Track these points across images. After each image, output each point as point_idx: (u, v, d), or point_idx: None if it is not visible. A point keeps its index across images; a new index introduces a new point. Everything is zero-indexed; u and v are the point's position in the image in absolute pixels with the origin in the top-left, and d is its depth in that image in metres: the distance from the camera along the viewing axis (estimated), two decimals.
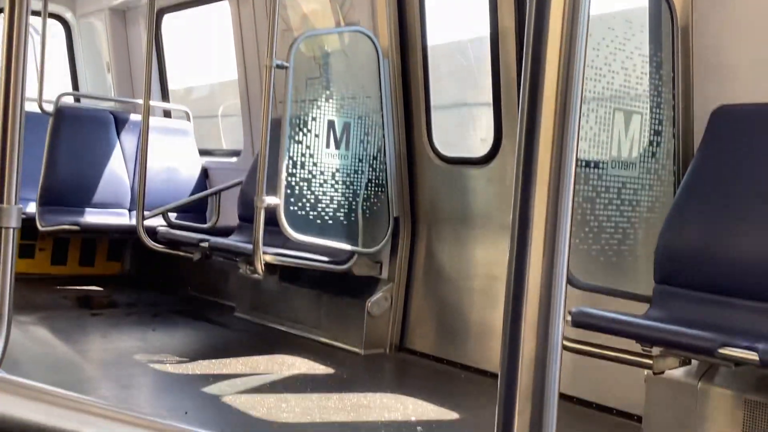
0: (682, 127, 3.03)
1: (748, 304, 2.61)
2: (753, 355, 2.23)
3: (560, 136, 0.86)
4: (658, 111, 2.97)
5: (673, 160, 3.04)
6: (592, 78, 2.73)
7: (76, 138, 5.71)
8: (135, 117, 5.96)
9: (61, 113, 5.68)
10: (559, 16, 0.86)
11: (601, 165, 2.89)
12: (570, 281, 2.80)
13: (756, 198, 2.70)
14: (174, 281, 5.85)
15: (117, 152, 5.93)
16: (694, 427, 2.77)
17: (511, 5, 3.78)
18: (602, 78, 2.80)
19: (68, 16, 7.12)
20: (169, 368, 3.81)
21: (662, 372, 2.69)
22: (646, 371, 2.77)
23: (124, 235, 5.69)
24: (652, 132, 2.97)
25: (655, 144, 2.99)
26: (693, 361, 2.69)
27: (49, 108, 5.65)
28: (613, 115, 2.86)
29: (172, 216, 5.11)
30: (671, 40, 2.99)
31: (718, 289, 2.70)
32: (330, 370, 3.93)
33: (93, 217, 5.46)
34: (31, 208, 5.42)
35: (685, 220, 2.84)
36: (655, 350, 2.57)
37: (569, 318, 2.57)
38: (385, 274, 4.36)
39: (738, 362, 2.32)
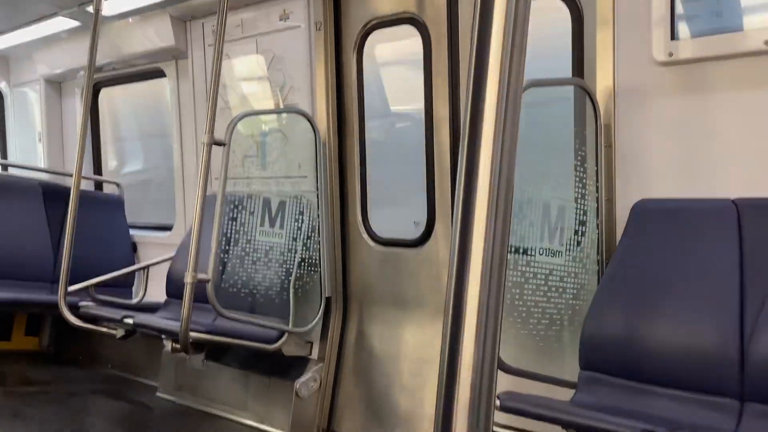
0: (605, 218, 3.16)
1: (669, 392, 2.68)
2: None
3: (493, 223, 0.90)
4: (582, 202, 3.10)
5: (597, 250, 3.16)
6: (523, 169, 2.84)
7: (1, 207, 5.55)
8: (65, 188, 5.85)
9: None
10: (493, 106, 0.92)
11: (529, 251, 2.98)
12: (499, 365, 2.84)
13: (673, 288, 2.82)
14: (95, 358, 5.63)
15: (42, 224, 5.78)
16: None
17: (446, 97, 3.93)
18: (531, 167, 2.92)
19: (1, 85, 7.03)
20: None
21: None
22: None
23: (45, 310, 5.49)
24: (578, 222, 3.09)
25: (580, 233, 3.10)
26: None
27: None
28: (541, 204, 2.97)
29: (97, 291, 4.96)
30: (595, 135, 3.15)
31: (640, 377, 2.77)
32: None
33: (12, 290, 5.25)
34: None
35: (607, 308, 2.93)
36: None
37: (497, 402, 2.60)
38: (315, 355, 4.32)
39: None
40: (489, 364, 0.90)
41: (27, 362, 5.56)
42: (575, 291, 3.11)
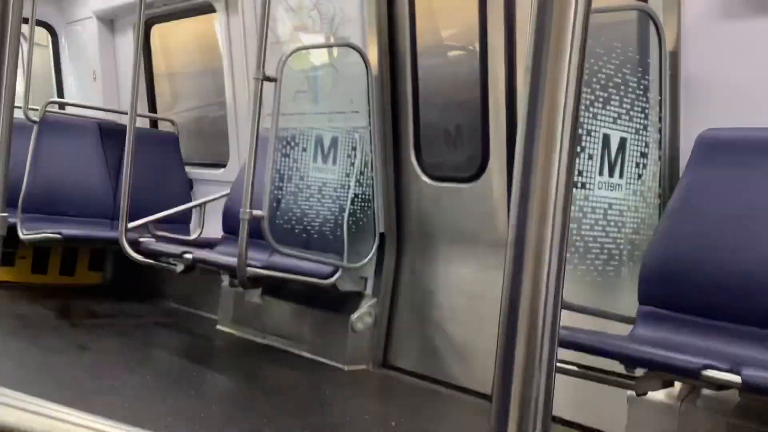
0: (668, 151, 3.06)
1: (732, 327, 2.62)
2: (736, 379, 2.24)
3: (556, 157, 0.86)
4: (644, 134, 2.99)
5: (659, 183, 3.06)
6: (581, 100, 2.75)
7: (61, 147, 5.68)
8: (121, 127, 5.93)
9: (46, 122, 5.64)
10: (558, 36, 0.87)
11: (587, 186, 2.90)
12: None
13: (741, 222, 2.72)
14: (156, 293, 5.80)
15: (101, 162, 5.89)
16: None
17: (501, 26, 3.81)
18: (589, 101, 2.82)
19: (55, 23, 7.09)
20: (150, 380, 3.77)
21: (645, 393, 2.69)
22: (629, 392, 2.77)
23: (107, 246, 5.64)
24: (639, 154, 3.00)
25: (641, 166, 3.01)
26: (676, 383, 2.70)
27: (34, 116, 5.62)
28: (601, 136, 2.88)
29: (156, 227, 5.08)
30: (659, 63, 3.02)
31: (702, 312, 2.71)
32: (313, 385, 3.91)
33: (75, 226, 5.41)
34: (12, 215, 5.36)
35: (669, 243, 2.86)
36: (639, 372, 2.57)
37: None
38: (369, 290, 4.35)
39: (721, 386, 2.33)
40: (552, 300, 0.87)
41: (91, 296, 5.76)
42: (635, 225, 3.03)
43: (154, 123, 6.49)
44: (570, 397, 3.32)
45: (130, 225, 4.64)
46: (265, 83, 3.80)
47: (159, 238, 5.00)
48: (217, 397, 3.83)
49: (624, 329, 2.89)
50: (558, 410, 3.38)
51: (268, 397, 3.63)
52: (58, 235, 5.14)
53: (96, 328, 4.88)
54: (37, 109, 5.65)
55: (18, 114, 5.75)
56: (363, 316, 4.26)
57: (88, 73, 6.92)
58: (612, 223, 2.97)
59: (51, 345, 4.28)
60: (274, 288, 4.64)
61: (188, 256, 4.42)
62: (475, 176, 4.04)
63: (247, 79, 5.25)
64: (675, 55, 3.03)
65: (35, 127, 5.59)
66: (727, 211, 2.76)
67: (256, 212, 3.78)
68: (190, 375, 4.01)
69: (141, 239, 4.85)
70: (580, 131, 2.78)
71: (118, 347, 4.39)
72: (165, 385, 3.74)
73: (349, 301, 4.33)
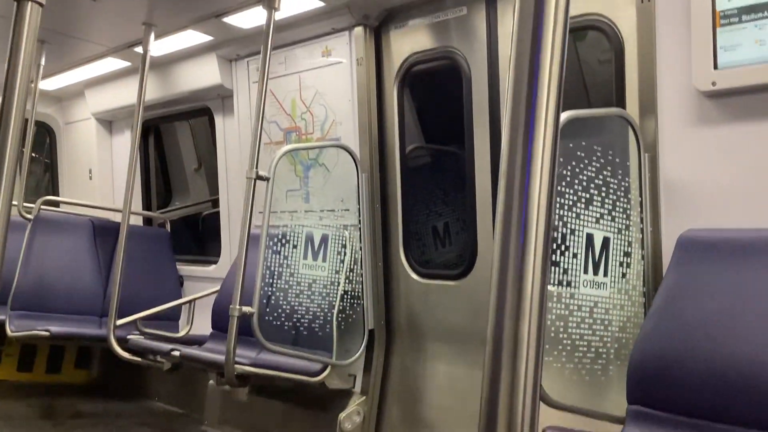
0: (651, 250, 3.12)
1: (720, 427, 2.61)
2: None
3: (533, 258, 0.91)
4: (627, 233, 3.06)
5: (642, 281, 3.11)
6: (562, 201, 2.83)
7: (53, 244, 5.71)
8: (114, 224, 5.99)
9: (40, 219, 5.70)
10: (530, 139, 0.93)
11: (573, 284, 2.94)
12: (543, 399, 2.80)
13: (724, 320, 2.76)
14: (142, 391, 5.71)
15: (93, 259, 5.92)
16: None
17: (486, 129, 3.94)
18: (572, 201, 2.90)
19: (53, 123, 7.26)
20: None
21: None
22: None
23: (94, 343, 5.59)
24: (622, 253, 3.06)
25: (625, 265, 3.06)
26: None
27: (29, 214, 5.69)
28: (584, 235, 2.95)
29: (145, 324, 5.06)
30: (638, 166, 3.13)
31: (690, 412, 2.70)
32: None
33: (64, 324, 5.37)
34: (0, 312, 5.34)
35: (656, 341, 2.88)
36: None
37: None
38: (358, 388, 4.31)
39: None
40: (531, 396, 0.90)
41: (77, 394, 5.66)
42: (621, 324, 3.06)
43: (147, 221, 6.56)
44: None
45: (119, 322, 4.63)
46: (258, 182, 3.90)
47: (147, 335, 4.97)
48: None
49: (614, 429, 2.87)
50: None
51: None
52: (46, 333, 5.11)
53: (79, 429, 4.77)
54: (32, 207, 5.72)
55: (13, 212, 5.81)
56: (351, 414, 4.21)
57: (83, 171, 7.03)
58: (598, 321, 2.99)
59: None
60: (261, 386, 4.58)
61: (176, 353, 4.39)
62: (463, 274, 4.09)
63: (241, 178, 5.37)
64: (653, 159, 3.14)
65: (29, 225, 5.64)
66: (710, 310, 2.80)
67: (246, 308, 3.79)
68: None
69: (129, 336, 4.82)
70: (564, 231, 2.85)
71: None
72: None
73: (337, 398, 4.28)
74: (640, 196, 3.11)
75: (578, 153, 2.91)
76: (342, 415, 4.18)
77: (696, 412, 2.69)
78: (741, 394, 2.61)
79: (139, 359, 4.75)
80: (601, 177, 2.96)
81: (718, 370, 2.69)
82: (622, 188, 3.05)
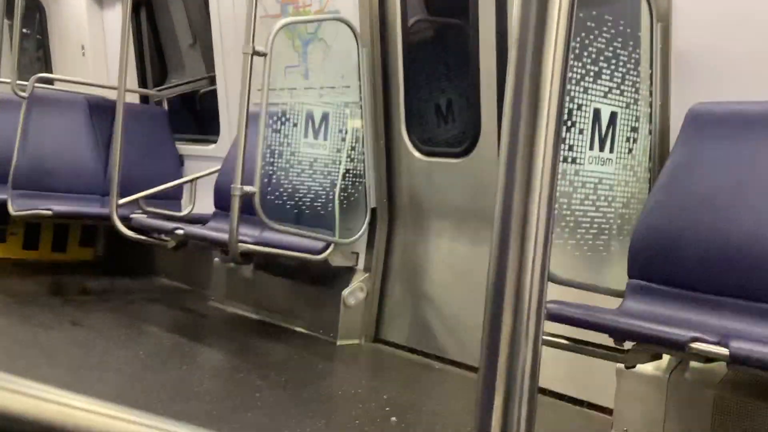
0: (658, 125, 3.06)
1: (721, 300, 2.64)
2: (724, 351, 2.26)
3: (543, 133, 0.86)
4: (635, 108, 2.99)
5: (649, 157, 3.07)
6: (569, 75, 2.74)
7: (50, 123, 5.64)
8: (110, 102, 5.89)
9: (34, 97, 5.60)
10: (549, 12, 0.86)
11: (578, 160, 2.91)
12: None
13: (729, 195, 2.74)
14: (148, 269, 5.80)
15: (90, 138, 5.86)
16: (663, 421, 2.81)
17: (492, 1, 3.78)
18: (579, 75, 2.82)
19: None
20: (142, 355, 3.79)
21: (633, 366, 2.72)
22: (617, 365, 2.80)
23: (98, 222, 5.63)
24: (629, 129, 3.00)
25: (631, 141, 3.01)
26: (664, 355, 2.73)
27: (23, 92, 5.58)
28: (591, 110, 2.88)
29: (147, 203, 5.07)
30: (650, 37, 3.01)
31: (691, 285, 2.73)
32: (305, 360, 3.93)
33: (66, 203, 5.39)
34: (2, 192, 5.34)
35: (659, 216, 2.87)
36: (627, 344, 2.60)
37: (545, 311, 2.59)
38: (361, 265, 4.37)
39: (708, 358, 2.35)
40: (539, 275, 0.88)
41: (82, 272, 5.76)
42: (625, 200, 3.04)
43: (144, 99, 6.45)
44: (559, 370, 3.36)
45: (121, 201, 4.64)
46: (256, 58, 3.78)
47: (150, 214, 4.99)
48: (210, 371, 3.85)
49: (613, 303, 2.91)
50: (548, 383, 3.42)
51: (260, 371, 3.65)
52: (48, 212, 5.13)
53: (88, 304, 4.89)
54: (25, 85, 5.61)
55: (6, 90, 5.70)
56: (355, 291, 4.28)
57: (75, 48, 6.85)
58: (602, 198, 2.98)
59: (43, 321, 4.29)
60: (266, 263, 4.65)
61: (180, 231, 4.42)
62: (466, 151, 4.04)
63: (236, 54, 5.22)
64: (666, 29, 3.02)
65: (24, 103, 5.54)
66: (716, 185, 2.78)
67: (248, 188, 3.78)
68: (183, 350, 4.02)
69: (132, 215, 4.85)
70: (570, 106, 2.78)
71: (110, 323, 4.40)
72: (158, 360, 3.76)
73: (340, 276, 4.35)
74: (651, 68, 3.01)
75: (588, 23, 2.80)
76: (345, 292, 4.25)
77: (695, 286, 2.73)
78: (740, 268, 2.63)
79: (144, 237, 4.79)
80: (611, 49, 2.86)
81: (719, 244, 2.70)
82: (632, 60, 2.95)
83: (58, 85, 6.45)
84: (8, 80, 5.64)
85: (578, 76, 2.78)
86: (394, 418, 3.08)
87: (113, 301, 5.00)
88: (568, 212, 2.87)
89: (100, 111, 5.90)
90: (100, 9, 6.69)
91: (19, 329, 4.13)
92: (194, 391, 3.33)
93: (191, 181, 5.40)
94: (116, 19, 6.43)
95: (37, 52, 7.39)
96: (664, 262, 2.82)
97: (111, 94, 5.83)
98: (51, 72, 7.05)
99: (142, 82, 6.47)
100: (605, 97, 2.89)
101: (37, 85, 5.70)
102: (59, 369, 3.43)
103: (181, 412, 2.98)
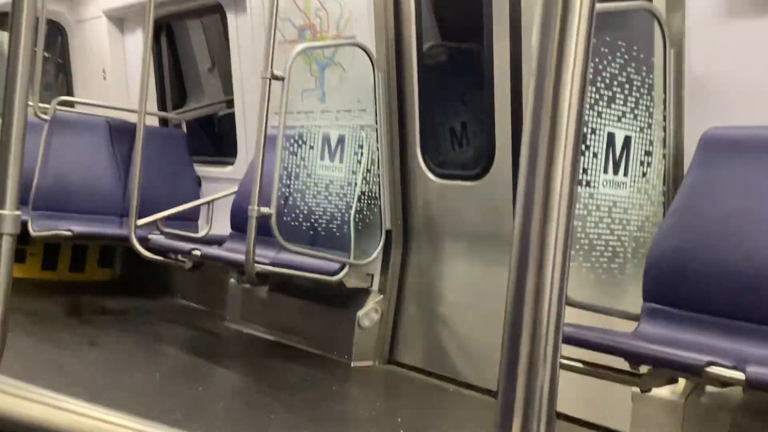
0: (672, 149, 3.08)
1: (737, 324, 2.64)
2: (740, 375, 2.26)
3: (561, 157, 0.88)
4: (649, 132, 3.01)
5: (663, 181, 3.08)
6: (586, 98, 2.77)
7: (70, 145, 5.72)
8: (130, 125, 5.97)
9: (56, 120, 5.69)
10: (564, 30, 0.88)
11: (592, 184, 2.93)
12: None
13: (744, 219, 2.74)
14: (164, 289, 5.84)
15: (110, 160, 5.93)
16: None
17: (506, 26, 3.83)
18: (593, 99, 2.85)
19: (65, 22, 7.13)
20: (159, 375, 3.81)
21: (649, 390, 2.72)
22: (633, 389, 2.80)
23: (116, 242, 5.69)
24: (643, 153, 3.02)
25: (645, 164, 3.03)
26: (680, 379, 2.72)
27: (44, 114, 5.67)
28: (605, 134, 2.90)
29: (164, 224, 5.12)
30: (663, 62, 3.04)
31: (706, 309, 2.73)
32: (319, 381, 3.94)
33: (85, 224, 5.45)
34: (23, 213, 5.40)
35: (673, 239, 2.88)
36: (643, 368, 2.60)
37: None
38: (376, 287, 4.38)
39: (725, 382, 2.35)
40: (557, 299, 0.89)
41: (100, 292, 5.81)
42: (639, 223, 3.05)
43: (163, 122, 6.53)
44: (575, 393, 3.35)
45: (140, 222, 4.69)
46: (274, 82, 3.84)
47: (168, 235, 5.04)
48: (226, 392, 3.87)
49: (628, 326, 2.91)
50: (563, 406, 3.41)
51: (275, 392, 3.67)
52: (68, 232, 5.19)
53: (105, 325, 4.93)
54: (47, 108, 5.70)
55: (28, 112, 5.79)
56: (369, 312, 4.30)
57: (96, 72, 6.96)
58: (617, 221, 2.99)
59: (61, 341, 4.33)
60: (281, 284, 4.68)
61: (197, 252, 4.46)
62: (480, 174, 4.07)
63: (255, 78, 5.29)
64: (679, 54, 3.05)
65: (46, 126, 5.63)
66: (731, 209, 2.78)
67: (264, 209, 3.82)
68: (199, 370, 4.05)
69: (150, 236, 4.90)
70: (584, 130, 2.81)
71: (127, 343, 4.43)
72: (174, 380, 3.78)
73: (355, 297, 4.36)
74: (664, 93, 3.04)
75: (602, 49, 2.83)
76: (360, 313, 4.27)
77: (710, 309, 2.72)
78: (755, 292, 2.63)
79: (161, 258, 4.84)
80: (624, 74, 2.89)
81: (734, 268, 2.70)
82: (646, 85, 2.98)
83: (79, 108, 6.55)
84: (30, 103, 5.72)
85: (592, 101, 2.81)
86: None
87: (130, 322, 5.04)
88: (583, 235, 2.88)
89: (120, 133, 5.98)
90: (121, 33, 6.80)
91: (37, 349, 4.17)
92: (210, 411, 3.35)
93: (208, 202, 5.45)
94: (137, 42, 6.54)
95: (58, 76, 7.51)
96: (680, 286, 2.82)
97: (131, 117, 5.91)
98: (72, 95, 7.15)
99: (162, 106, 6.55)
100: (619, 121, 2.92)
101: (58, 107, 5.79)
102: (76, 388, 3.45)
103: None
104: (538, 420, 0.88)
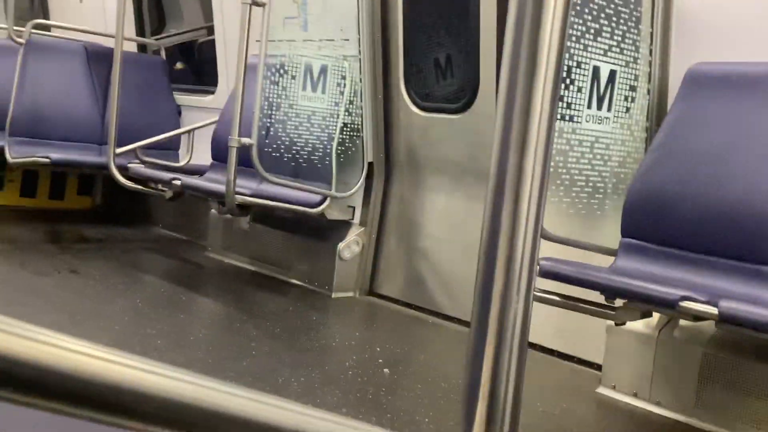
0: (657, 84, 3.06)
1: (712, 260, 2.68)
2: (713, 310, 2.30)
3: (541, 89, 0.87)
4: (634, 67, 2.99)
5: (646, 116, 3.07)
6: (569, 32, 2.73)
7: (47, 70, 5.59)
8: (108, 50, 5.83)
9: (32, 44, 5.55)
10: None
11: (575, 119, 2.91)
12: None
13: (725, 156, 2.75)
14: (145, 218, 5.82)
15: (88, 86, 5.81)
16: (651, 376, 2.87)
17: None
18: (580, 32, 2.80)
19: None
20: (140, 303, 3.83)
21: (624, 323, 2.77)
22: (608, 322, 2.85)
23: (95, 171, 5.63)
24: (628, 88, 3.00)
25: (629, 100, 3.01)
26: (654, 313, 2.77)
27: (20, 38, 5.52)
28: (590, 68, 2.87)
29: (144, 153, 5.07)
30: None
31: (683, 245, 2.76)
32: (300, 311, 3.98)
33: (64, 151, 5.38)
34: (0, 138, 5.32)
35: (654, 175, 2.89)
36: (618, 302, 2.64)
37: (537, 267, 2.62)
38: (357, 219, 4.39)
39: (697, 317, 2.40)
40: (532, 232, 0.89)
41: (80, 220, 5.78)
42: (621, 159, 3.06)
43: (142, 48, 6.39)
44: (551, 326, 3.41)
45: (119, 150, 4.63)
46: (255, 8, 3.74)
47: (147, 164, 4.99)
48: (207, 320, 3.91)
49: (606, 261, 2.95)
50: (539, 338, 3.48)
51: (256, 321, 3.71)
52: (46, 159, 5.13)
53: (86, 252, 4.92)
54: (22, 31, 5.55)
55: (3, 35, 5.65)
56: (350, 244, 4.32)
57: None
58: (598, 156, 2.99)
59: (41, 268, 4.32)
60: (262, 216, 4.67)
61: (177, 182, 4.42)
62: (464, 107, 4.04)
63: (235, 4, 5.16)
64: None
65: (21, 49, 5.49)
66: (712, 146, 2.79)
67: (245, 140, 3.78)
68: (180, 299, 4.07)
69: (129, 165, 4.85)
70: (570, 63, 2.78)
71: (108, 271, 4.43)
72: (155, 308, 3.80)
73: (336, 229, 4.37)
74: (651, 27, 3.00)
75: None
76: (341, 245, 4.29)
77: (687, 245, 2.76)
78: (732, 229, 2.66)
79: (141, 187, 4.80)
80: (612, 6, 2.84)
81: (712, 204, 2.72)
82: (633, 18, 2.93)
83: (55, 32, 6.38)
84: (5, 25, 5.57)
85: (578, 33, 2.77)
86: (386, 370, 3.13)
87: (111, 250, 5.03)
88: (564, 170, 2.89)
89: (98, 59, 5.84)
90: None
91: (17, 276, 4.16)
92: (191, 339, 3.38)
93: (189, 131, 5.39)
94: None
95: (33, 0, 7.29)
96: (658, 222, 2.84)
97: (108, 42, 5.77)
98: (48, 18, 6.96)
99: (140, 31, 6.40)
100: (605, 55, 2.89)
101: (34, 31, 5.64)
102: (57, 315, 3.47)
103: (177, 359, 3.03)
104: (510, 348, 0.89)
